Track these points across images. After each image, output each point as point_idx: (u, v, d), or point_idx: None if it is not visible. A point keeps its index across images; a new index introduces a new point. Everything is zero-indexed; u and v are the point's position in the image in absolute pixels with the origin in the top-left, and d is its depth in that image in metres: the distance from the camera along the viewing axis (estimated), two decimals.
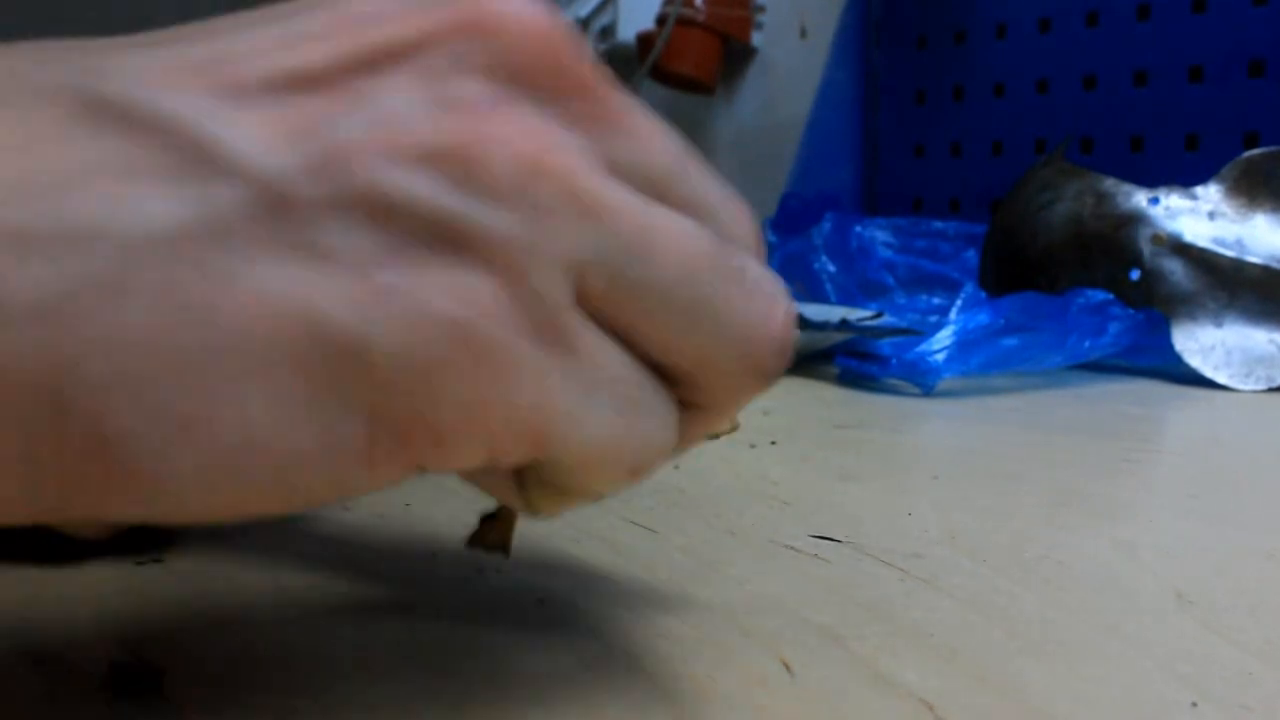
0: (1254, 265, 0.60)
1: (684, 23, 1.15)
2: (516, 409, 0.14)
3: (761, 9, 1.20)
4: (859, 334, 0.59)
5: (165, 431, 0.13)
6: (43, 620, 0.22)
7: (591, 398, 0.15)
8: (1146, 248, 0.62)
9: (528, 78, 0.15)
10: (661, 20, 1.17)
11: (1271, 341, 0.58)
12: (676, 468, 0.36)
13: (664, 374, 0.16)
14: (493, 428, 0.14)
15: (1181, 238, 0.61)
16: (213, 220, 0.13)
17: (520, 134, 0.14)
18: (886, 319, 0.66)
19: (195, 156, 0.13)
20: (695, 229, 0.16)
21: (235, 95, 0.14)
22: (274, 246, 0.13)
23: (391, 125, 0.14)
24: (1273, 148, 0.62)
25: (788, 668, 0.20)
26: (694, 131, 1.35)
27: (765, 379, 0.17)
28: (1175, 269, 0.61)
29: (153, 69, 0.14)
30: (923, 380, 0.53)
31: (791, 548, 0.28)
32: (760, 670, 0.20)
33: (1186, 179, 0.63)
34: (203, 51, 0.14)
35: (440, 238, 0.14)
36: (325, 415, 0.13)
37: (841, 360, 0.58)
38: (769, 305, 0.16)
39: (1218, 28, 0.77)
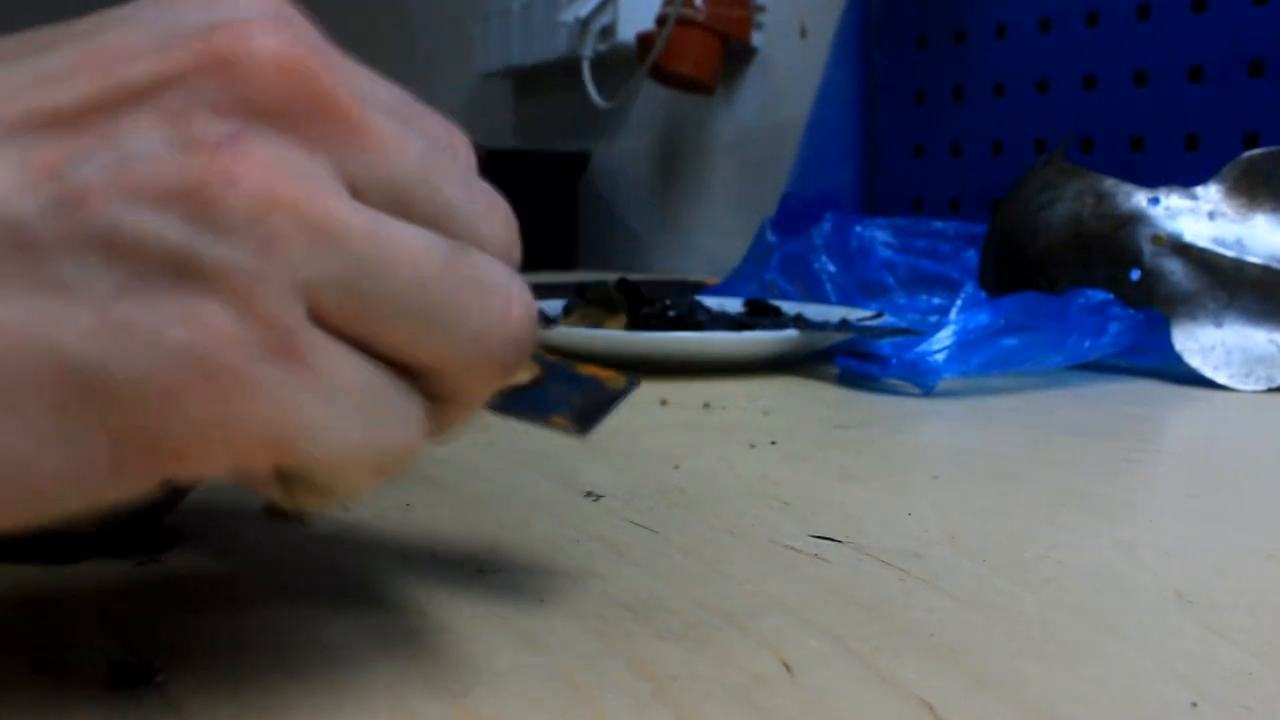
0: (1254, 265, 0.60)
1: (684, 23, 1.15)
2: (254, 425, 0.15)
3: (761, 9, 1.20)
4: (859, 334, 0.59)
5: None
6: (43, 620, 0.22)
7: (331, 408, 0.16)
8: (1146, 248, 0.62)
9: (269, 109, 0.16)
10: (661, 20, 1.17)
11: (1271, 341, 0.58)
12: (677, 468, 0.36)
13: (408, 371, 0.17)
14: (233, 442, 0.15)
15: (1181, 238, 0.61)
16: None
17: (254, 168, 0.15)
18: (886, 319, 0.66)
19: None
20: (428, 239, 0.17)
21: None
22: (17, 283, 0.14)
23: (131, 166, 0.15)
24: (1273, 148, 0.62)
25: (788, 668, 0.20)
26: (694, 131, 1.35)
27: (504, 371, 0.18)
28: (1175, 269, 0.61)
29: None
30: (923, 380, 0.53)
31: (791, 548, 0.28)
32: (760, 670, 0.20)
33: (1186, 179, 0.63)
34: None
35: (174, 271, 0.15)
36: (70, 438, 0.14)
37: (841, 360, 0.58)
38: (504, 303, 0.17)
39: (1218, 28, 0.77)
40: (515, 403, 0.22)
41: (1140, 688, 0.20)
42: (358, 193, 0.16)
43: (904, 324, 0.63)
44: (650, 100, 1.40)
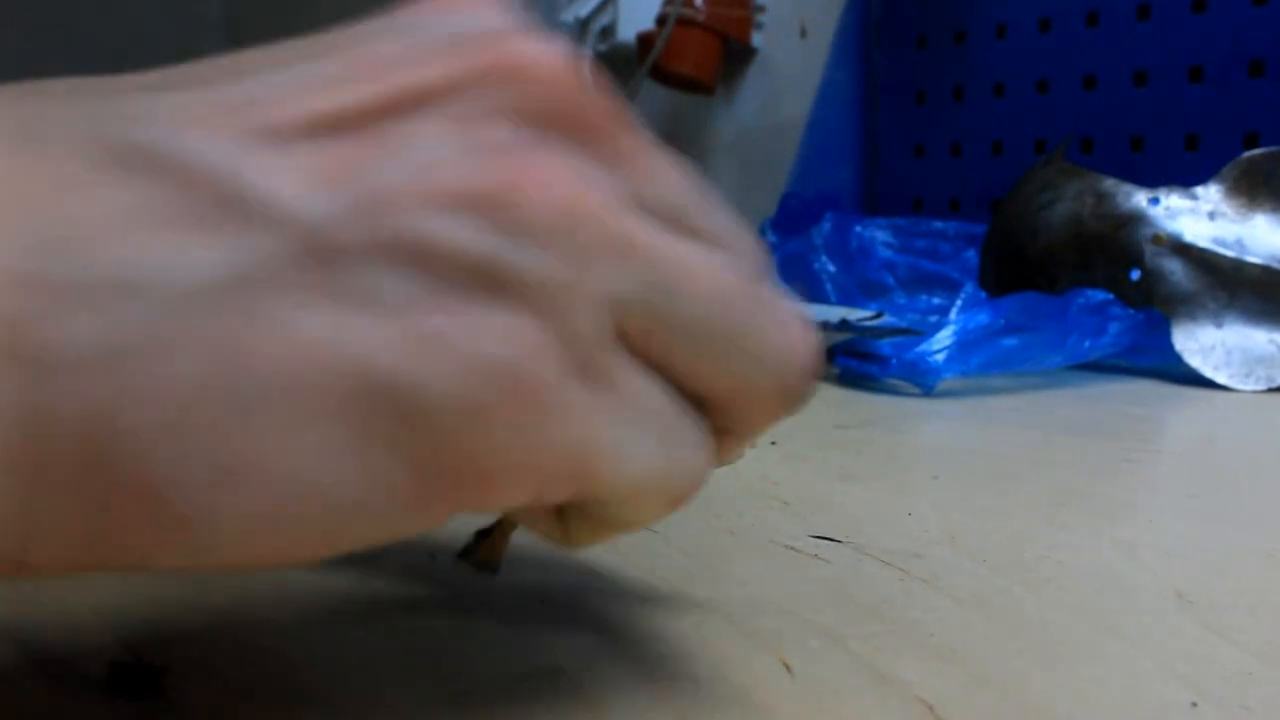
0: (1254, 265, 0.60)
1: (684, 23, 1.15)
2: (563, 449, 0.14)
3: (761, 9, 1.20)
4: (859, 334, 0.59)
5: (211, 481, 0.13)
6: (43, 620, 0.22)
7: (634, 433, 0.15)
8: (1146, 248, 0.62)
9: (556, 120, 0.15)
10: (661, 20, 1.17)
11: (1271, 341, 0.58)
12: None
13: (697, 402, 0.16)
14: (540, 468, 0.14)
15: (1181, 238, 0.61)
16: (256, 268, 0.13)
17: (555, 176, 0.14)
18: (886, 319, 0.66)
19: (233, 204, 0.13)
20: (723, 260, 0.16)
21: (268, 140, 0.13)
22: (318, 293, 0.13)
23: (427, 170, 0.14)
24: (1273, 148, 0.62)
25: (788, 668, 0.20)
26: (694, 131, 1.35)
27: (796, 402, 0.17)
28: (1175, 269, 0.61)
29: (183, 113, 0.14)
30: (923, 380, 0.53)
31: (791, 548, 0.28)
32: (760, 670, 0.20)
33: (1186, 179, 0.63)
34: (231, 94, 0.14)
35: (482, 281, 0.14)
36: (371, 461, 0.13)
37: (841, 360, 0.58)
38: (797, 331, 0.17)
39: (1218, 28, 0.77)
40: None
41: (1140, 688, 0.20)
42: (644, 213, 0.15)
43: (904, 324, 0.63)
44: (650, 100, 1.40)
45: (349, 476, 0.13)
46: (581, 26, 1.35)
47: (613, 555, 0.26)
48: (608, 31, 1.33)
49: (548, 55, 0.15)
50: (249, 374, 0.13)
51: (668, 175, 0.16)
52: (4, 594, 0.23)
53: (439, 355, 0.13)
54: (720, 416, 0.17)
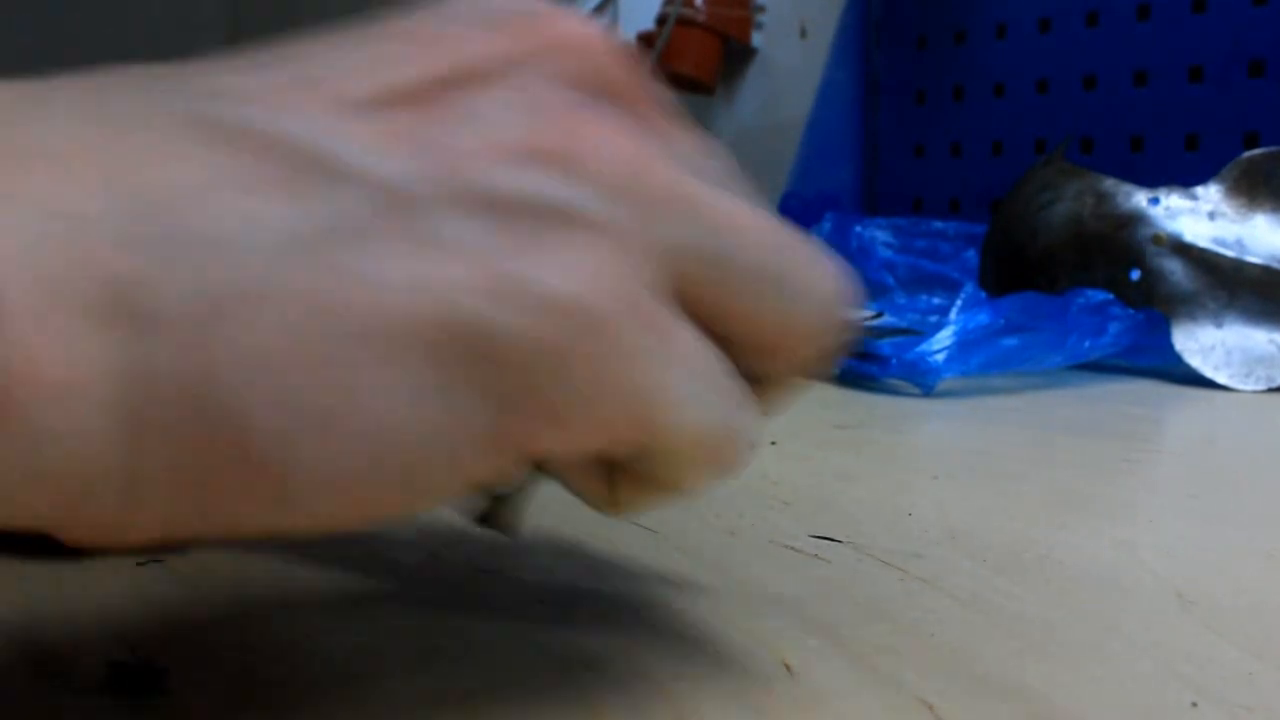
0: (1254, 265, 0.60)
1: (684, 23, 1.15)
2: (632, 394, 0.15)
3: (761, 9, 1.20)
4: (859, 334, 0.59)
5: (305, 429, 0.13)
6: (43, 620, 0.22)
7: (697, 387, 0.15)
8: (1146, 248, 0.62)
9: (604, 89, 0.16)
10: (661, 20, 1.17)
11: (1271, 341, 0.58)
12: None
13: (742, 347, 0.17)
14: (611, 412, 0.15)
15: (1181, 238, 0.61)
16: (341, 224, 0.13)
17: (615, 133, 0.15)
18: (886, 319, 0.66)
19: (315, 167, 0.14)
20: (761, 211, 0.17)
21: (342, 110, 0.14)
22: (400, 243, 0.14)
23: (495, 130, 0.15)
24: (1273, 148, 0.62)
25: (788, 668, 0.20)
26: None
27: (832, 344, 0.18)
28: (1175, 269, 0.61)
29: (259, 88, 0.14)
30: (923, 380, 0.53)
31: (791, 548, 0.28)
32: (760, 670, 0.20)
33: (1186, 179, 0.63)
34: (303, 71, 0.15)
35: (555, 224, 0.14)
36: (456, 402, 0.14)
37: (841, 360, 0.58)
38: (833, 270, 0.18)
39: (1218, 28, 0.77)
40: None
41: (1140, 688, 0.20)
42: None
43: (904, 324, 0.63)
44: None
45: (435, 418, 0.14)
46: None
47: (612, 555, 0.26)
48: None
49: (591, 32, 0.16)
50: (337, 323, 0.13)
51: (694, 144, 0.18)
52: (4, 594, 0.23)
53: (519, 296, 0.14)
54: (764, 359, 0.17)
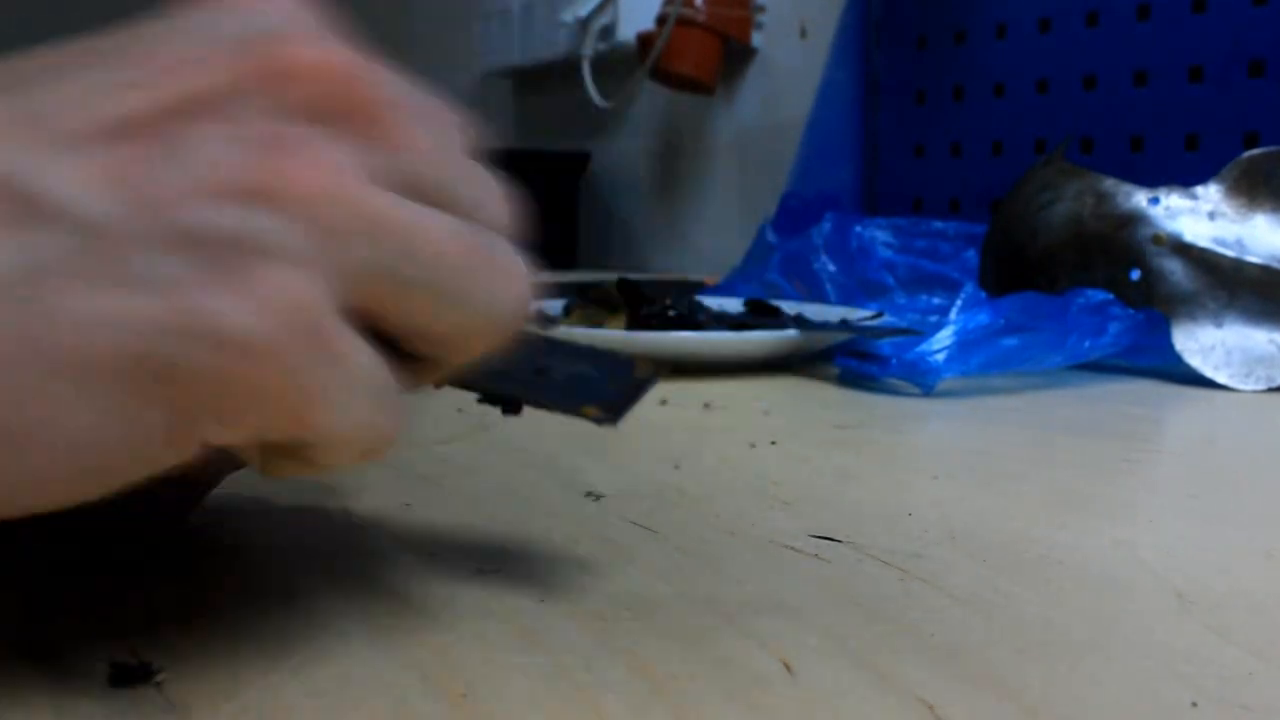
0: (1254, 265, 0.60)
1: (684, 23, 1.15)
2: (287, 403, 0.17)
3: (761, 9, 1.20)
4: (859, 334, 0.59)
5: (4, 447, 0.15)
6: (43, 620, 0.22)
7: (349, 393, 0.17)
8: (1146, 248, 0.62)
9: (317, 112, 0.17)
10: (661, 20, 1.17)
11: (1271, 341, 0.58)
12: (677, 468, 0.36)
13: (424, 342, 0.19)
14: (267, 416, 0.17)
15: (1181, 238, 0.61)
16: (42, 262, 0.15)
17: (313, 166, 0.17)
18: (886, 319, 0.66)
19: (26, 206, 0.15)
20: (453, 224, 0.19)
21: (54, 146, 0.16)
22: (97, 279, 0.15)
23: (201, 169, 0.16)
24: (1273, 148, 0.62)
25: (788, 668, 0.20)
26: (694, 131, 1.35)
27: (504, 340, 0.20)
28: (1175, 269, 0.61)
29: None
30: (923, 380, 0.53)
31: (791, 548, 0.28)
32: (760, 670, 0.20)
33: (1186, 179, 0.63)
34: (24, 103, 0.16)
35: (245, 258, 0.16)
36: (135, 414, 0.16)
37: (841, 360, 0.58)
38: (514, 279, 0.20)
39: (1218, 28, 0.77)
40: (545, 392, 0.23)
41: (1140, 688, 0.20)
42: (389, 184, 0.18)
43: (904, 324, 0.63)
44: (650, 100, 1.40)
45: (115, 427, 0.16)
46: (581, 26, 1.35)
47: (612, 555, 0.26)
48: (608, 31, 1.34)
49: (316, 55, 0.17)
50: (35, 355, 0.15)
51: (420, 150, 0.19)
52: (4, 594, 0.23)
53: (195, 330, 0.16)
54: (434, 348, 0.19)
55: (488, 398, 0.24)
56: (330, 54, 0.18)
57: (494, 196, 0.20)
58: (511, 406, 0.24)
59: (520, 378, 0.23)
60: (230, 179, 0.16)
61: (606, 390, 0.24)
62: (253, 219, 0.16)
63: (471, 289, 0.19)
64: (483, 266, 0.19)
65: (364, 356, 0.18)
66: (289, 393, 0.16)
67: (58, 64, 0.17)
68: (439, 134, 0.19)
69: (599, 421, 0.23)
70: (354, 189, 0.17)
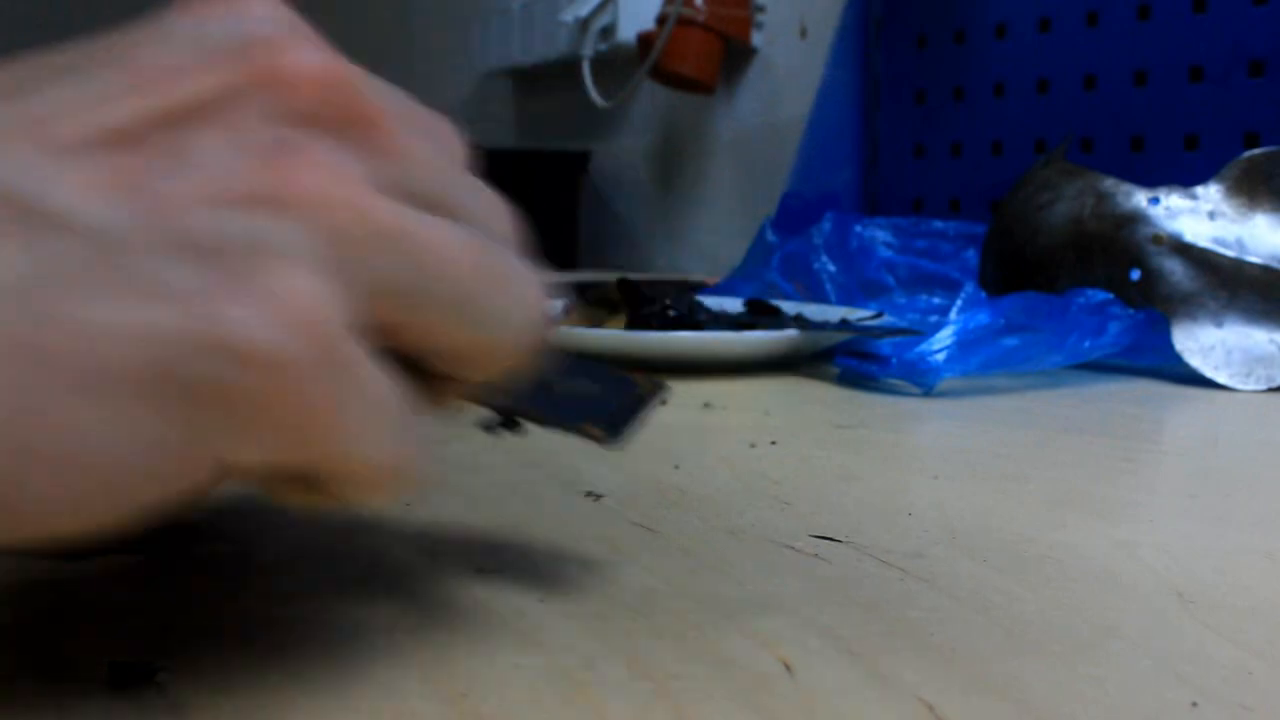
0: (1254, 265, 0.60)
1: (684, 23, 1.15)
2: (312, 429, 0.16)
3: (761, 9, 1.20)
4: (859, 334, 0.59)
5: (17, 467, 0.14)
6: (43, 620, 0.22)
7: (370, 424, 0.17)
8: (1146, 248, 0.62)
9: (319, 120, 0.17)
10: (661, 20, 1.17)
11: (1271, 341, 0.58)
12: (677, 468, 0.36)
13: (440, 359, 0.19)
14: (285, 439, 0.16)
15: (1181, 238, 0.61)
16: (50, 271, 0.14)
17: (317, 172, 0.16)
18: (886, 319, 0.66)
19: (28, 215, 0.15)
20: (463, 233, 0.18)
21: (56, 154, 0.15)
22: (107, 288, 0.15)
23: (205, 173, 0.16)
24: (1273, 148, 0.62)
25: (788, 668, 0.20)
26: (694, 131, 1.35)
27: (521, 354, 0.20)
28: (1175, 269, 0.61)
29: None
30: (923, 380, 0.53)
31: (791, 548, 0.28)
32: (760, 670, 0.20)
33: (1186, 179, 0.63)
34: (22, 110, 0.16)
35: (259, 266, 0.15)
36: (154, 431, 0.15)
37: (841, 360, 0.58)
38: (527, 289, 0.19)
39: (1218, 28, 0.77)
40: (547, 408, 0.23)
41: (1140, 688, 0.20)
42: (393, 193, 0.17)
43: (904, 324, 0.63)
44: (650, 100, 1.40)
45: (131, 443, 0.15)
46: (582, 26, 1.35)
47: (612, 555, 0.26)
48: (608, 31, 1.33)
49: (312, 62, 0.17)
50: (45, 366, 0.14)
51: (422, 161, 0.18)
52: (4, 594, 0.23)
53: (213, 343, 0.15)
54: (459, 368, 0.19)
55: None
56: (327, 61, 0.17)
57: (496, 207, 0.20)
58: (510, 422, 0.24)
59: (521, 392, 0.23)
60: (236, 185, 0.16)
61: (609, 408, 0.24)
62: (262, 224, 0.15)
63: (487, 300, 0.18)
64: (496, 277, 0.18)
65: (380, 381, 0.17)
66: (309, 414, 0.16)
67: (53, 70, 0.16)
68: (437, 144, 0.19)
69: (600, 441, 0.23)
70: (361, 195, 0.17)
